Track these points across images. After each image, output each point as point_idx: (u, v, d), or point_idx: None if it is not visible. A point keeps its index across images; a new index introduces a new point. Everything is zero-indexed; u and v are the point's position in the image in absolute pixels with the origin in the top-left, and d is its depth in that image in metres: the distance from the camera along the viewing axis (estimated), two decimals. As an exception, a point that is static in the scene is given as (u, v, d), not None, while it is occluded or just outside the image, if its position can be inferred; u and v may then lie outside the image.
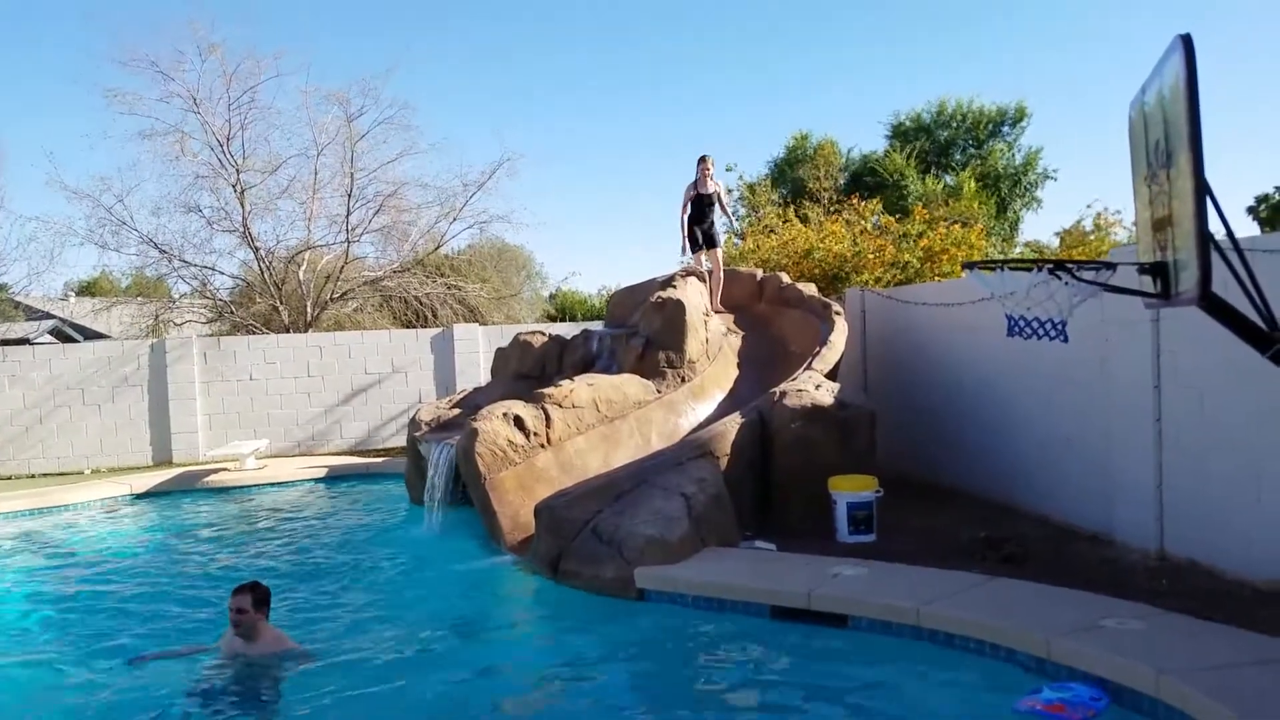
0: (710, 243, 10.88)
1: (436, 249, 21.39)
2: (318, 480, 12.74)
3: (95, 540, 9.81)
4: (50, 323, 27.41)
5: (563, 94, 57.95)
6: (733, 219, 11.51)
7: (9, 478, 14.38)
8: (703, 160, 10.77)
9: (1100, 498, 7.21)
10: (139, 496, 12.00)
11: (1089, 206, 26.63)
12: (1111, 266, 3.67)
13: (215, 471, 12.91)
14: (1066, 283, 3.54)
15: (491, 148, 31.62)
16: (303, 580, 7.68)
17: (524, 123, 55.00)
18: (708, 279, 10.80)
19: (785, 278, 11.50)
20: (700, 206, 10.75)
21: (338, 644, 5.93)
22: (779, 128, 57.05)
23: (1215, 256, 3.03)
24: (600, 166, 63.03)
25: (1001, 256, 21.24)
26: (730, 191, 10.88)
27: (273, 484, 12.52)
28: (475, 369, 15.57)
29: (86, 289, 36.99)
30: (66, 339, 26.24)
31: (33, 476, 14.43)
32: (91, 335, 25.99)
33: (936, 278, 13.58)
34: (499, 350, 11.35)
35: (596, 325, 12.20)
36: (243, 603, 5.37)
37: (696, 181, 10.75)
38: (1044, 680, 4.56)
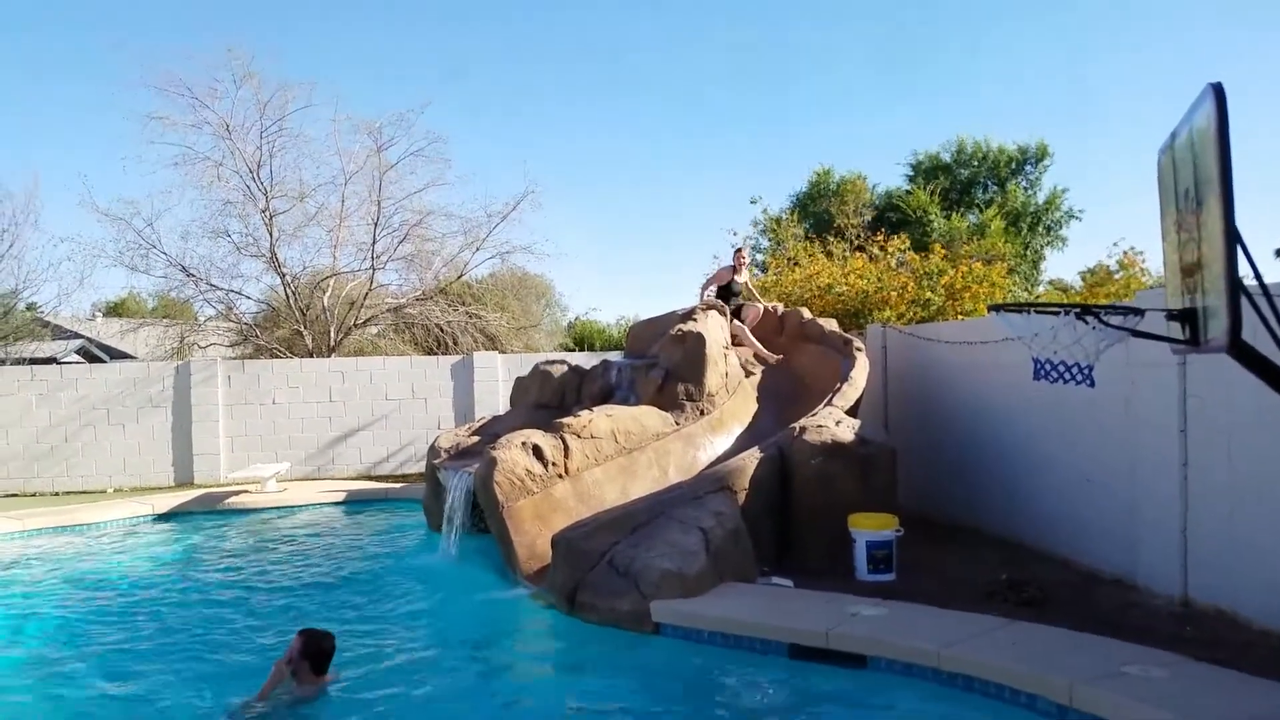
0: (738, 314, 11.16)
1: (459, 278, 21.57)
2: (337, 505, 12.77)
3: (118, 559, 9.86)
4: (77, 342, 27.75)
5: (585, 128, 58.53)
6: (757, 298, 11.93)
7: (34, 495, 14.51)
8: (739, 252, 11.57)
9: (1124, 542, 7.13)
10: (161, 517, 12.07)
11: (1115, 245, 26.52)
12: (1139, 312, 3.66)
13: (236, 493, 12.98)
14: (1094, 327, 3.53)
15: (515, 178, 32.00)
16: (318, 605, 7.69)
17: (546, 155, 55.54)
18: (727, 316, 10.81)
19: (806, 313, 11.51)
20: (728, 294, 11.25)
21: (350, 671, 5.92)
22: (797, 164, 57.31)
23: (1245, 303, 3.02)
24: (622, 199, 63.44)
25: (1025, 295, 21.18)
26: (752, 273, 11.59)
27: (292, 507, 12.56)
28: (494, 397, 15.64)
29: (114, 309, 37.48)
30: (93, 359, 26.56)
31: (57, 494, 14.56)
32: (118, 355, 26.30)
33: (959, 315, 13.55)
34: (518, 379, 11.39)
35: (615, 356, 12.24)
36: (291, 646, 5.36)
37: (734, 268, 11.34)
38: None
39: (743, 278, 11.39)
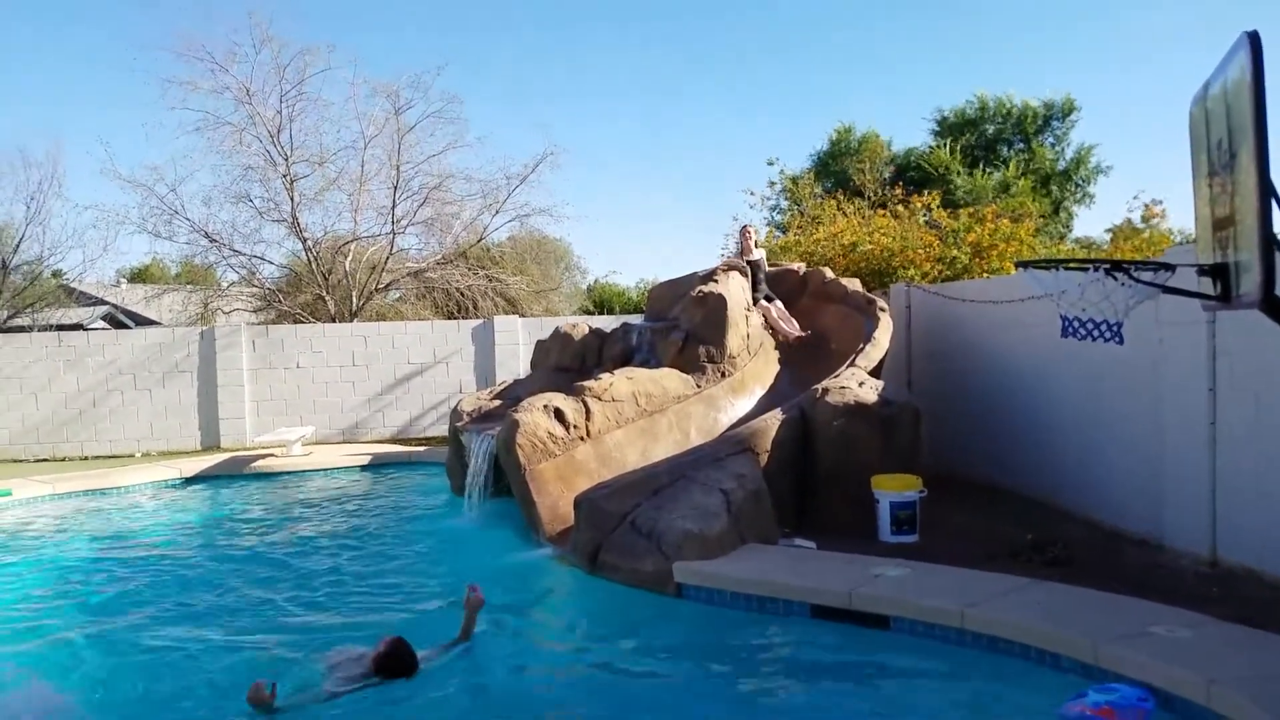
0: (767, 300, 10.68)
1: (479, 241, 21.53)
2: (361, 468, 12.90)
3: (148, 521, 10.03)
4: (103, 309, 28.02)
5: (604, 88, 58.00)
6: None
7: (63, 459, 14.74)
8: (744, 231, 11.18)
9: (1150, 501, 7.07)
10: (189, 480, 12.24)
11: (1135, 198, 26.09)
12: (1170, 267, 3.59)
13: (262, 457, 13.13)
14: (1123, 284, 3.47)
15: (534, 141, 31.83)
16: (343, 567, 7.79)
17: (565, 117, 55.14)
18: (748, 276, 10.65)
19: (829, 273, 11.40)
20: (750, 273, 10.67)
21: (375, 631, 5.98)
22: (820, 121, 56.58)
23: (1279, 257, 2.95)
24: (640, 160, 62.99)
25: (1052, 254, 20.88)
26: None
27: (317, 470, 12.71)
28: (515, 360, 15.68)
29: (138, 276, 37.77)
30: (119, 325, 26.82)
31: (85, 459, 14.77)
32: (142, 321, 26.53)
33: (985, 274, 13.38)
34: (539, 342, 11.39)
35: (636, 319, 12.20)
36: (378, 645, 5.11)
37: (741, 250, 10.94)
38: (1088, 684, 4.49)
39: (756, 256, 10.86)
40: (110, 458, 14.72)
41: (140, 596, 7.06)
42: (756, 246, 11.14)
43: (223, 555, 8.33)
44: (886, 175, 24.61)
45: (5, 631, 6.29)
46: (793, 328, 10.46)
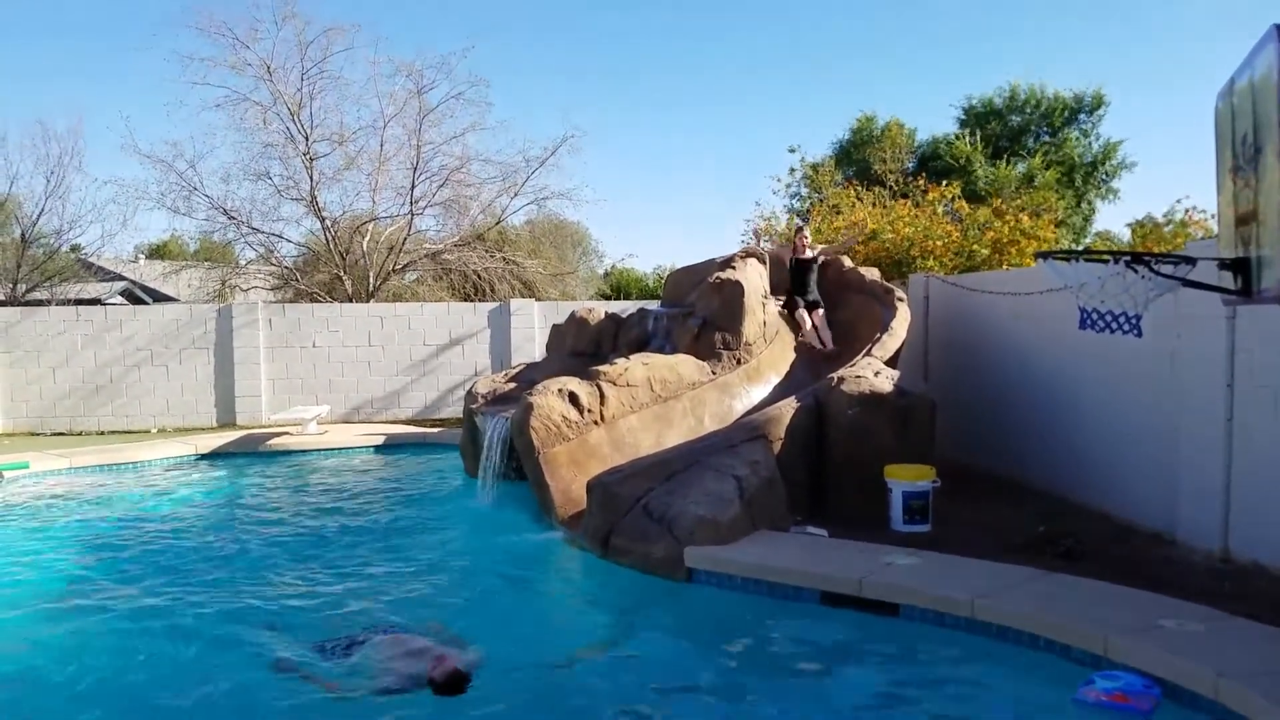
0: (813, 306, 10.41)
1: (496, 224, 21.51)
2: (376, 448, 12.98)
3: (162, 496, 10.12)
4: (121, 284, 28.20)
5: (625, 72, 57.80)
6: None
7: (80, 434, 14.87)
8: (799, 233, 10.90)
9: (1164, 496, 7.05)
10: (204, 457, 12.33)
11: (1179, 202, 25.69)
12: (1191, 261, 3.57)
13: (277, 435, 13.22)
14: (1144, 276, 3.46)
15: (553, 124, 31.73)
16: (355, 547, 7.84)
17: (584, 101, 54.99)
18: (766, 265, 10.57)
19: (847, 261, 11.35)
20: (801, 274, 10.46)
21: (385, 612, 6.05)
22: (843, 108, 56.32)
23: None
24: (660, 146, 62.82)
25: (1073, 248, 20.74)
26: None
27: (332, 449, 12.78)
28: (530, 344, 15.71)
29: (156, 252, 37.98)
30: (136, 301, 26.98)
31: (102, 434, 14.90)
32: (160, 298, 26.72)
33: (1006, 268, 13.32)
34: (555, 326, 11.41)
35: (652, 304, 12.20)
36: (441, 665, 5.03)
37: (795, 248, 10.67)
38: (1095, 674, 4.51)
39: (808, 255, 10.55)
40: (127, 433, 14.85)
41: (151, 570, 7.14)
42: (809, 247, 10.73)
43: (235, 531, 8.41)
44: (909, 165, 24.50)
45: (16, 601, 6.39)
46: (826, 338, 10.21)
